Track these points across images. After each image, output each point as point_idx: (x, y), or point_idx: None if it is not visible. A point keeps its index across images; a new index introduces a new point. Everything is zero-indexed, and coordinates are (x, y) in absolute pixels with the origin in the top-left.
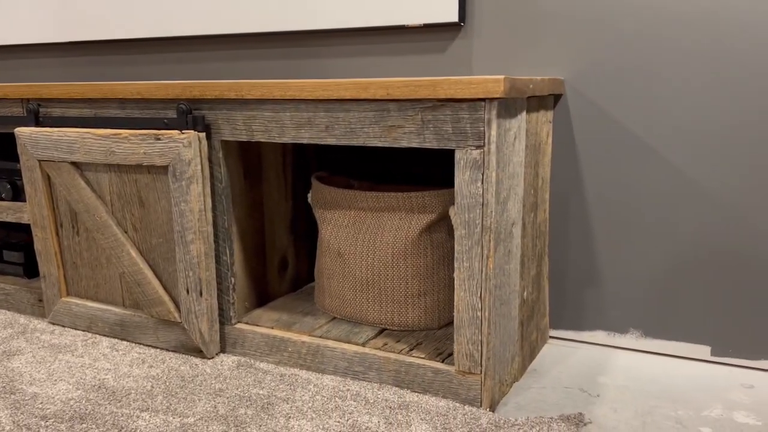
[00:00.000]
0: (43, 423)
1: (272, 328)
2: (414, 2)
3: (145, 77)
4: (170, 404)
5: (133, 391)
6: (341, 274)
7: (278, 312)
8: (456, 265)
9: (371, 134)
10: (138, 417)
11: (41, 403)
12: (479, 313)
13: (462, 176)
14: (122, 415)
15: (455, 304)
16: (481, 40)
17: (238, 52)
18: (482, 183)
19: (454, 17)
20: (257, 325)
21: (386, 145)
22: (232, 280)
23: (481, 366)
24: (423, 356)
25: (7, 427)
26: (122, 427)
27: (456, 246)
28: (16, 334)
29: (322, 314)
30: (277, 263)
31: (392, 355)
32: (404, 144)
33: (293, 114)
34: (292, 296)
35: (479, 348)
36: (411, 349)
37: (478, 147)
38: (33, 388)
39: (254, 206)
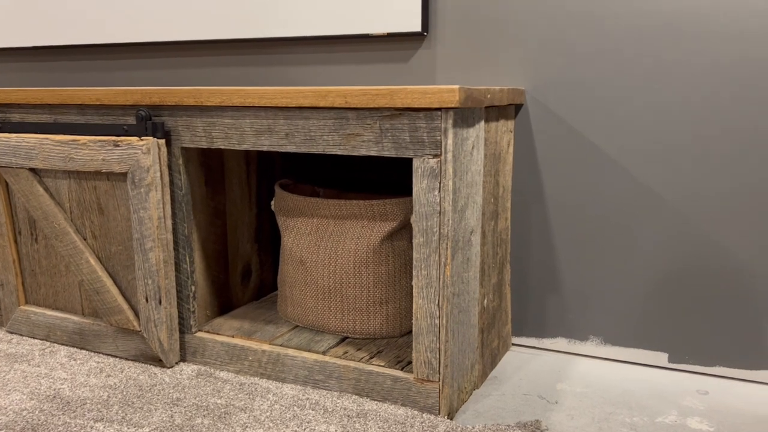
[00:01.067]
0: None
1: (233, 336)
2: (378, 11)
3: (107, 83)
4: (126, 414)
5: (88, 401)
6: (303, 282)
7: (240, 320)
8: (414, 273)
9: (330, 142)
10: (92, 428)
11: None
12: (437, 321)
13: (420, 184)
14: (75, 426)
15: (414, 311)
16: (444, 50)
17: (201, 59)
18: (439, 191)
19: (417, 27)
20: (218, 334)
21: (345, 153)
22: (193, 288)
23: (439, 374)
24: (383, 364)
25: None
26: None
27: (414, 254)
28: None
29: (284, 323)
30: (240, 271)
31: (352, 364)
32: (363, 152)
33: (253, 121)
34: (256, 305)
35: (437, 356)
36: (371, 357)
37: (435, 156)
38: None
39: (216, 214)
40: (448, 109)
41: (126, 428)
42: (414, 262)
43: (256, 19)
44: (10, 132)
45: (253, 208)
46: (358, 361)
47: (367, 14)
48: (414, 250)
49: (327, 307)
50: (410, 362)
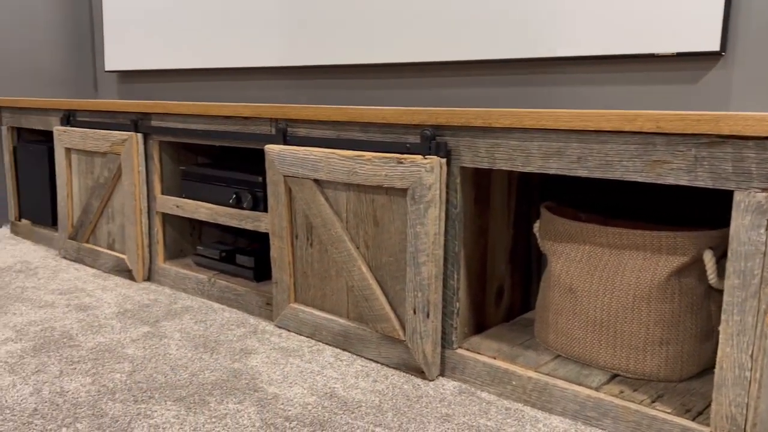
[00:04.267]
0: (287, 424)
1: (495, 358)
2: (667, 30)
3: (377, 101)
4: (401, 423)
5: (363, 405)
6: (571, 311)
7: (496, 341)
8: (723, 318)
9: (630, 168)
10: (372, 431)
11: (282, 404)
12: (748, 374)
13: (740, 221)
14: (357, 428)
15: (718, 359)
16: (743, 71)
17: (466, 79)
18: (766, 230)
19: (714, 46)
20: (478, 353)
21: (648, 180)
22: (457, 304)
23: (744, 431)
24: (668, 411)
25: (257, 423)
26: None
27: (726, 297)
28: (248, 334)
29: (544, 349)
30: (494, 291)
31: (632, 405)
32: (670, 181)
33: (541, 143)
34: (507, 326)
35: (743, 411)
36: (653, 401)
37: (764, 190)
38: (272, 388)
39: (480, 232)
40: None
41: None
42: (724, 306)
43: (531, 39)
44: (296, 145)
45: (510, 228)
46: (639, 403)
47: (655, 33)
48: (726, 292)
49: (597, 341)
50: (701, 412)
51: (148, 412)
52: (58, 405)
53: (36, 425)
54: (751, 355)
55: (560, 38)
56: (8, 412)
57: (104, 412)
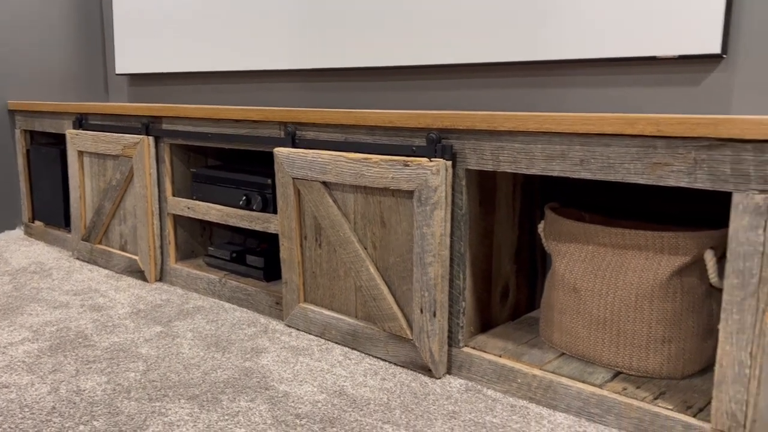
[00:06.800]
0: (298, 421)
1: (500, 356)
2: (667, 32)
3: (383, 103)
4: (409, 420)
5: (371, 402)
6: (575, 310)
7: (502, 340)
8: (723, 317)
9: (632, 170)
10: (381, 428)
11: (293, 402)
12: (747, 371)
13: (739, 221)
14: (366, 425)
15: (718, 357)
16: (744, 74)
17: (472, 81)
18: (764, 230)
19: (715, 48)
20: (484, 351)
21: (648, 182)
22: (463, 304)
23: (744, 427)
24: (670, 407)
25: (268, 421)
26: None
27: (725, 296)
28: (259, 333)
29: (548, 348)
30: (499, 291)
31: (635, 402)
32: (670, 183)
33: (545, 146)
34: (512, 325)
35: (743, 408)
36: (655, 398)
37: (762, 191)
38: (283, 386)
39: (485, 233)
40: None
41: None
42: (724, 305)
43: (533, 42)
44: (305, 148)
45: (515, 229)
46: (641, 400)
47: (656, 35)
48: (725, 291)
49: (600, 339)
50: (702, 409)
51: (163, 410)
52: (75, 403)
53: (54, 423)
54: (750, 353)
55: (563, 41)
56: (27, 410)
57: (120, 410)
